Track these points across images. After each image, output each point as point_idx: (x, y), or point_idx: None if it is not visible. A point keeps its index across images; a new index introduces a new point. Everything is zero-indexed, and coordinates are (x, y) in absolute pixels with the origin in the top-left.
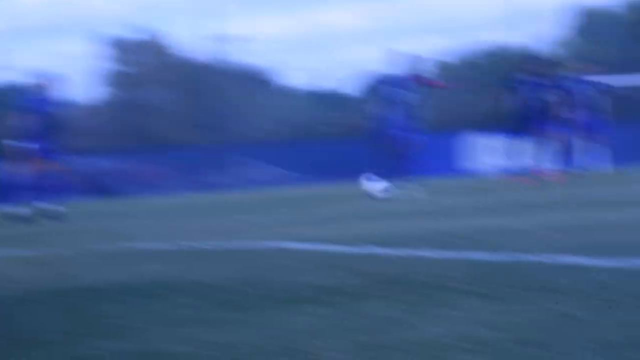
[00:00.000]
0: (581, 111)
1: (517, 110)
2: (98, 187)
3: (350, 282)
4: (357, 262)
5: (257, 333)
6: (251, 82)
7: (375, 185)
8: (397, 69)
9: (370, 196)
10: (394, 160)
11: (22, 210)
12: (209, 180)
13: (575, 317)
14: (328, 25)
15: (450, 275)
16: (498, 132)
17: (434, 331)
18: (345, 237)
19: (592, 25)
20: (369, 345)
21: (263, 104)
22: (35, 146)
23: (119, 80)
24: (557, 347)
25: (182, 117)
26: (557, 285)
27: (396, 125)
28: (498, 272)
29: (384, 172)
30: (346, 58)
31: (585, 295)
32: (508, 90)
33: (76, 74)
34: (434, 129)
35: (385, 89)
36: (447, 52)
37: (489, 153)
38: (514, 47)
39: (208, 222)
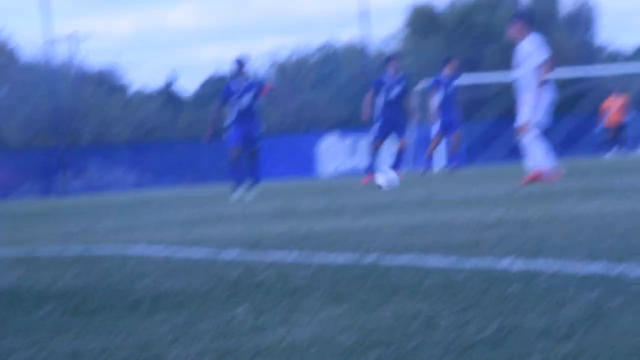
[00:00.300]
0: (447, 110)
1: (384, 110)
2: None
3: (211, 287)
4: (218, 267)
5: (108, 340)
6: (103, 83)
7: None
8: (238, 72)
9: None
10: (237, 165)
11: None
12: (63, 184)
13: (433, 319)
14: (171, 24)
15: (310, 279)
16: (351, 132)
17: (295, 336)
18: (205, 241)
19: (419, 22)
20: (230, 351)
21: (116, 106)
22: None
23: None
24: (417, 349)
25: (31, 119)
26: (414, 287)
27: (240, 130)
28: (356, 274)
29: (234, 176)
30: (191, 57)
31: (443, 297)
32: (376, 91)
33: None
34: (286, 132)
35: (226, 95)
36: (285, 51)
37: (342, 154)
38: (344, 44)
39: (59, 228)
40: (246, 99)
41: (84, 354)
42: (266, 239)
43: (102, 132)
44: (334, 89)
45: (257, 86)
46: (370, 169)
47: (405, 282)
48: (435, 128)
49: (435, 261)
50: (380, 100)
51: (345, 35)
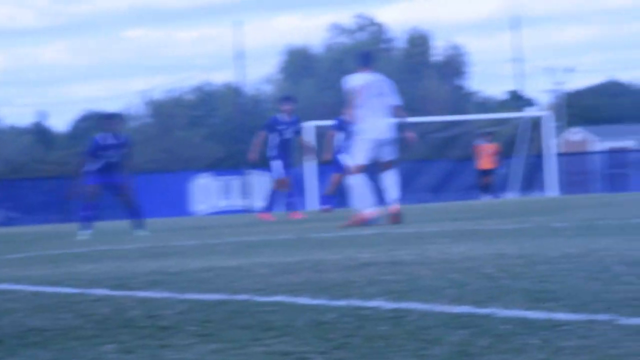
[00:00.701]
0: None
1: (279, 149)
2: None
3: (79, 324)
4: (86, 304)
5: None
6: None
7: None
8: (107, 127)
9: None
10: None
11: None
12: None
13: (303, 358)
14: (43, 61)
15: (180, 317)
16: (224, 172)
17: None
18: (73, 278)
19: (293, 64)
20: None
21: None
22: None
23: None
24: None
25: None
26: (285, 326)
27: (103, 176)
28: (227, 313)
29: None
30: (63, 95)
31: (314, 336)
32: (270, 130)
33: None
34: (158, 170)
35: (93, 149)
36: (159, 90)
37: (215, 194)
38: (220, 84)
39: None
40: (113, 153)
41: None
42: (136, 276)
43: None
44: (207, 128)
45: (125, 144)
46: (271, 207)
47: (276, 321)
48: (335, 166)
49: (306, 300)
50: (274, 140)
51: (220, 77)
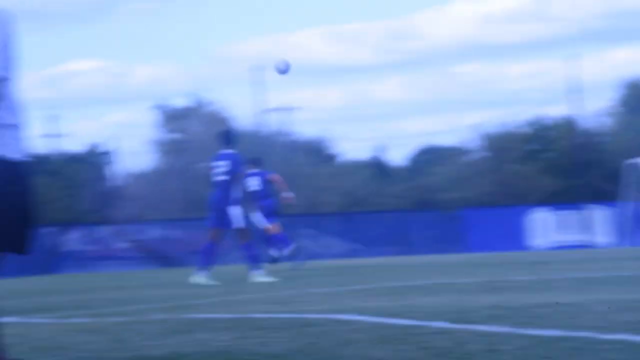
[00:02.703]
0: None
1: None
2: (157, 255)
3: (419, 356)
4: (426, 336)
5: None
6: (313, 152)
7: None
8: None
9: None
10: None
11: None
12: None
13: None
14: (377, 97)
15: (522, 352)
16: (561, 207)
17: None
18: (413, 311)
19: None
20: None
21: (327, 176)
22: None
23: (172, 147)
24: None
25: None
26: None
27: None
28: (566, 349)
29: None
30: (397, 129)
31: None
32: None
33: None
34: (498, 204)
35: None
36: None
37: (555, 228)
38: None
39: (272, 292)
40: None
41: None
42: (476, 310)
43: (313, 200)
44: (542, 162)
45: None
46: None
47: None
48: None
49: None
50: None
51: (553, 110)
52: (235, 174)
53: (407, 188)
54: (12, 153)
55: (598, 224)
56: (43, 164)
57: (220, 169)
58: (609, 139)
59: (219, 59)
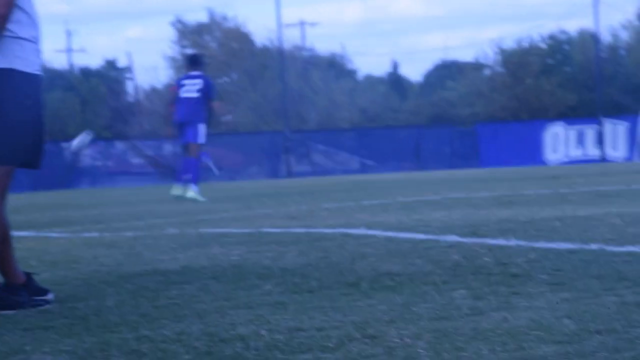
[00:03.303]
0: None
1: None
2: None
3: (430, 270)
4: (437, 250)
5: (326, 317)
6: (331, 68)
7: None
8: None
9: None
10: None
11: None
12: (288, 167)
13: None
14: (394, 12)
15: (531, 265)
16: (582, 121)
17: (514, 321)
18: (424, 225)
19: None
20: (447, 333)
21: (346, 91)
22: None
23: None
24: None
25: (258, 104)
26: (637, 276)
27: None
28: (579, 262)
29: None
30: (414, 45)
31: None
32: None
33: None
34: (514, 119)
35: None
36: (510, 39)
37: (571, 142)
38: (574, 32)
39: (284, 208)
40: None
41: (303, 330)
42: (487, 224)
43: (328, 116)
44: (560, 77)
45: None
46: None
47: (630, 272)
48: None
49: None
50: None
51: (572, 25)
52: (208, 94)
53: (422, 104)
54: (28, 67)
55: (615, 139)
56: (59, 79)
57: (194, 86)
58: (625, 53)
59: None
